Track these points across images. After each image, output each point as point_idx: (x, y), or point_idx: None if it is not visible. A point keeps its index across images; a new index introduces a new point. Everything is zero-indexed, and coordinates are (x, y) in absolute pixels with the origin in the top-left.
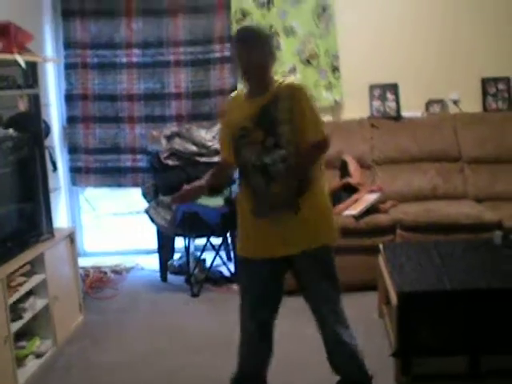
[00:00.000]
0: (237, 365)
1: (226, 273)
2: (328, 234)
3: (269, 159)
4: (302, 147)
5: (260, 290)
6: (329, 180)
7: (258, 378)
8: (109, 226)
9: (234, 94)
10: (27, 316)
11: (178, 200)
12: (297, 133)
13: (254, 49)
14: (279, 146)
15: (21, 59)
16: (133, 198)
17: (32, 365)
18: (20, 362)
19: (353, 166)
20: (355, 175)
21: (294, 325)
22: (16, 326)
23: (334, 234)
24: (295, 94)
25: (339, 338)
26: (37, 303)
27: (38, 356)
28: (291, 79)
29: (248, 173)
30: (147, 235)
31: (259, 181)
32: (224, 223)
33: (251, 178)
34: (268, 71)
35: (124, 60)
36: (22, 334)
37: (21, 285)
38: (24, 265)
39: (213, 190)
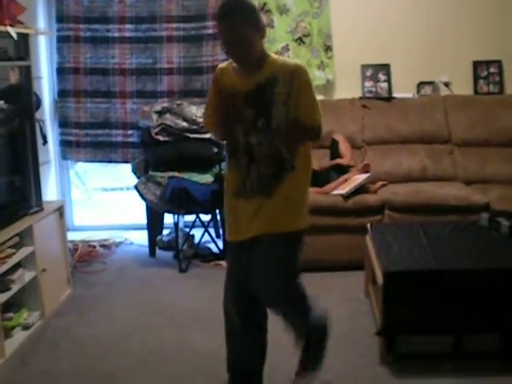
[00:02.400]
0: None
1: (215, 249)
2: (297, 221)
3: (255, 139)
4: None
5: (239, 275)
6: (319, 159)
7: (249, 375)
8: (98, 201)
9: (222, 65)
10: (15, 288)
11: None
12: (290, 117)
13: (235, 25)
14: (270, 128)
15: (12, 31)
16: (122, 174)
17: (19, 336)
18: (7, 333)
19: (344, 146)
20: (346, 155)
21: None
22: (4, 297)
23: (299, 222)
24: (296, 78)
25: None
26: (25, 275)
27: (26, 328)
28: (294, 61)
29: (236, 150)
30: (136, 211)
31: (242, 161)
32: (213, 200)
33: (238, 156)
34: (253, 48)
35: (116, 35)
36: (10, 306)
37: (9, 256)
38: (13, 237)
39: None
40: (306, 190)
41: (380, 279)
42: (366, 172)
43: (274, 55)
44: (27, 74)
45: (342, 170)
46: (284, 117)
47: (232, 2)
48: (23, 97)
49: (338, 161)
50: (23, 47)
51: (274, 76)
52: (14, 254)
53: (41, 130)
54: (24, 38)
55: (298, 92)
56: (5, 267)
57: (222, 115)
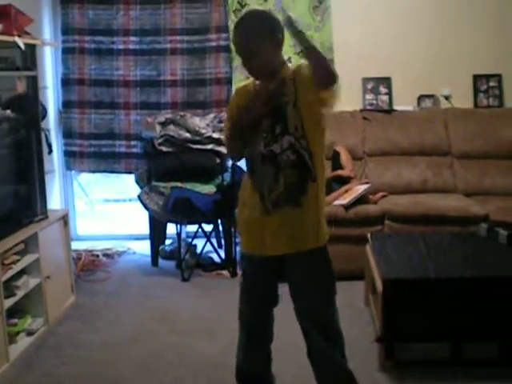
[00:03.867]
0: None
1: (217, 259)
2: (324, 234)
3: (278, 148)
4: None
5: (256, 291)
6: None
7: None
8: (101, 212)
9: (243, 83)
10: (20, 294)
11: None
12: (302, 116)
13: (249, 36)
14: (287, 132)
15: (20, 41)
16: (124, 185)
17: (23, 342)
18: (12, 338)
19: (345, 157)
20: (347, 166)
21: None
22: (9, 302)
23: (325, 234)
24: (297, 73)
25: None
26: (29, 282)
27: (30, 334)
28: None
29: (255, 164)
30: (138, 221)
31: (268, 172)
32: (216, 210)
33: (258, 169)
34: (267, 59)
35: (121, 47)
36: (15, 312)
37: (14, 263)
38: (18, 243)
39: None
40: (324, 201)
41: (380, 287)
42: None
43: (290, 65)
44: (34, 84)
45: (343, 180)
46: (298, 118)
47: (249, 14)
48: (30, 106)
49: (339, 172)
50: (30, 58)
51: (283, 79)
52: (18, 260)
53: (46, 139)
54: (31, 49)
55: (301, 78)
56: (10, 273)
57: (239, 129)
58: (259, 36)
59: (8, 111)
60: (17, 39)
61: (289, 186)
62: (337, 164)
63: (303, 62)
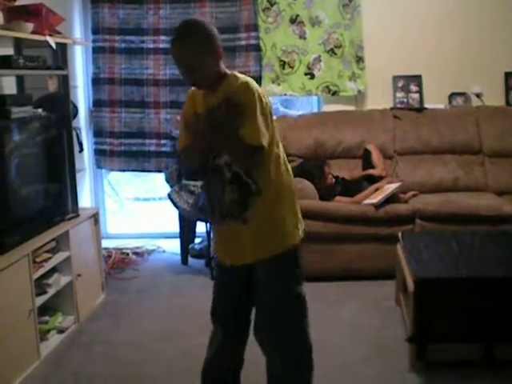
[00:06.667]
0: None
1: None
2: (279, 243)
3: (222, 161)
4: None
5: (226, 298)
6: (351, 169)
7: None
8: (131, 211)
9: (192, 88)
10: (51, 291)
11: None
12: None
13: (185, 49)
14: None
15: (52, 41)
16: (154, 184)
17: (54, 339)
18: (43, 335)
19: (376, 156)
20: (379, 165)
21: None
22: (40, 300)
23: (286, 240)
24: (241, 96)
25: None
26: (61, 280)
27: (60, 331)
28: (242, 80)
29: (207, 174)
30: (168, 220)
31: (217, 184)
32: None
33: (209, 179)
34: (205, 71)
35: (151, 46)
36: (46, 310)
37: (46, 261)
38: (49, 241)
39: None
40: (282, 209)
41: (411, 286)
42: (399, 181)
43: (234, 73)
44: (65, 83)
45: (374, 179)
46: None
47: (184, 26)
48: (61, 105)
49: (370, 171)
50: (61, 57)
51: (226, 96)
52: (50, 258)
53: (77, 137)
54: (62, 48)
55: (242, 109)
56: (41, 271)
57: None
58: (197, 49)
59: (40, 110)
60: (48, 38)
61: (230, 202)
62: (368, 163)
63: (245, 82)
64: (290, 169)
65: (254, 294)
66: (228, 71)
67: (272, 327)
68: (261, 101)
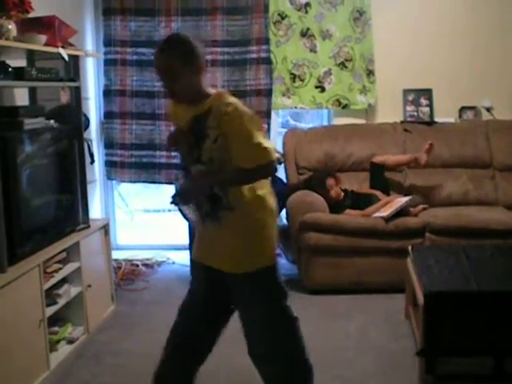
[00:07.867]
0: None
1: None
2: (250, 260)
3: (195, 169)
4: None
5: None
6: (360, 182)
7: None
8: (140, 222)
9: None
10: (61, 302)
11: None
12: (225, 152)
13: (164, 60)
14: (200, 161)
15: (64, 53)
16: (164, 196)
17: (64, 350)
18: (52, 346)
19: (392, 157)
20: (403, 156)
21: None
22: (50, 310)
23: (256, 259)
24: (223, 122)
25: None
26: (71, 290)
27: (70, 342)
28: (228, 101)
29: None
30: (178, 232)
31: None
32: None
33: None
34: (182, 84)
35: None
36: (56, 320)
37: (56, 271)
38: (60, 252)
39: None
40: (258, 229)
41: (421, 300)
42: (429, 149)
43: (219, 92)
44: (77, 95)
45: (387, 190)
46: (217, 153)
47: (168, 39)
48: (73, 117)
49: (376, 193)
50: (73, 69)
51: (210, 109)
52: (60, 269)
53: (89, 149)
54: (74, 60)
55: (228, 138)
56: (52, 281)
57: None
58: (176, 61)
59: (52, 121)
60: (61, 50)
61: (205, 213)
62: (377, 176)
63: (232, 104)
64: (268, 187)
65: (239, 312)
66: (212, 90)
67: (259, 344)
68: (252, 120)
